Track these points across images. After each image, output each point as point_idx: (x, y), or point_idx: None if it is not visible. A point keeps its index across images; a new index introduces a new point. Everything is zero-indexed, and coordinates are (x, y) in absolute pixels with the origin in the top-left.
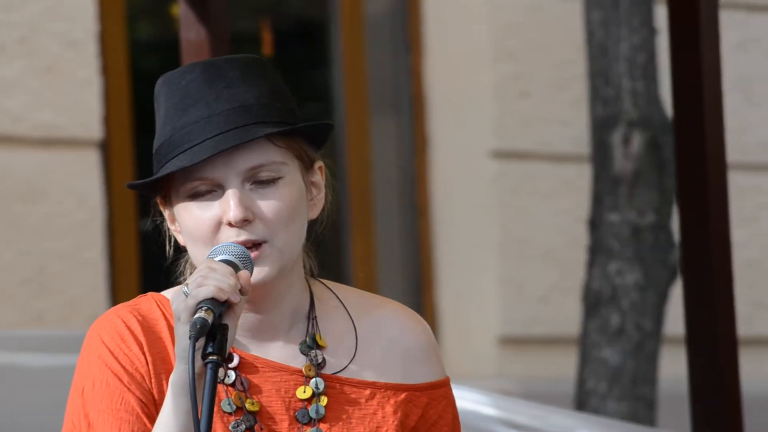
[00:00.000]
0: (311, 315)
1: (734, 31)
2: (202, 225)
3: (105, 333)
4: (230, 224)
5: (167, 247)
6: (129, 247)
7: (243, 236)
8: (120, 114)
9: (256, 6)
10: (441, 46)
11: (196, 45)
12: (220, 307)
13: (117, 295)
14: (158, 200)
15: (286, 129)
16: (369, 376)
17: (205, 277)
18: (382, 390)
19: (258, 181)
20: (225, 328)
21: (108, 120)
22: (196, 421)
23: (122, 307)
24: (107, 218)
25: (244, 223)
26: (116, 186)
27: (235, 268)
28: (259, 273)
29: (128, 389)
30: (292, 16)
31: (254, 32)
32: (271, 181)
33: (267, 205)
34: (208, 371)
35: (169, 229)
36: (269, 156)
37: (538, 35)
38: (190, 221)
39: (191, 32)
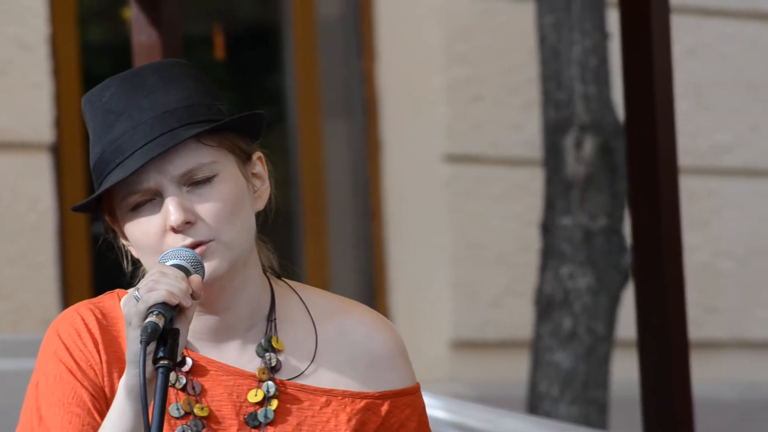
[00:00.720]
0: (271, 316)
1: (686, 35)
2: (148, 235)
3: (62, 329)
4: (173, 229)
5: (124, 263)
6: (80, 251)
7: (188, 239)
8: (71, 117)
9: (208, 9)
10: (393, 50)
11: (147, 48)
12: (171, 311)
13: (68, 299)
14: (106, 218)
15: (210, 127)
16: (326, 383)
17: (156, 281)
18: (339, 398)
19: (194, 182)
20: (176, 332)
21: (59, 123)
22: (147, 426)
23: (84, 304)
24: (59, 222)
25: (186, 226)
26: (68, 189)
27: (186, 272)
28: (208, 268)
29: (81, 384)
30: (245, 19)
31: (206, 36)
32: (206, 181)
33: (206, 205)
34: (159, 376)
35: (123, 245)
36: (200, 157)
37: (491, 39)
38: (137, 233)
39: (143, 35)
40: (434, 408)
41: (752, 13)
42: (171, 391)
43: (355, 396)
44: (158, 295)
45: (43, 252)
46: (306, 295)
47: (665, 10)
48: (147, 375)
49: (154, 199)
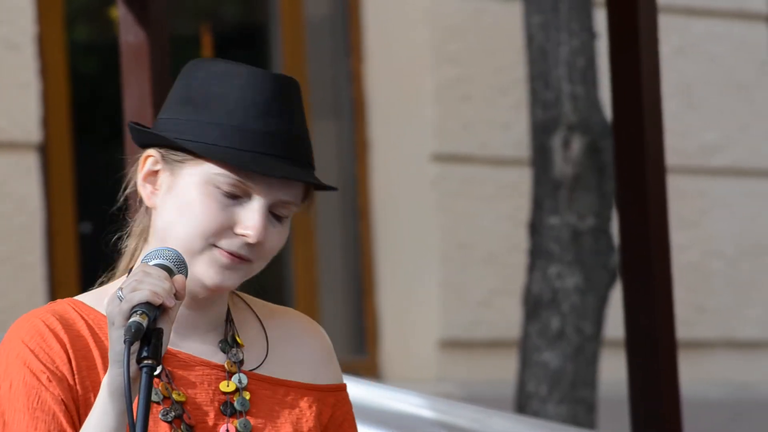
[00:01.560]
0: (229, 317)
1: (674, 35)
2: (214, 220)
3: (25, 333)
4: (242, 236)
5: (119, 194)
6: (68, 251)
7: (242, 251)
8: (59, 116)
9: (196, 9)
10: (381, 50)
11: (135, 48)
12: (154, 311)
13: (57, 298)
14: (154, 153)
15: (332, 188)
16: (281, 375)
17: (140, 281)
18: (295, 389)
19: (276, 213)
20: (160, 332)
21: (47, 123)
22: (132, 426)
23: (39, 310)
24: (46, 222)
25: (254, 244)
26: (55, 189)
27: (170, 272)
28: (227, 279)
29: (46, 388)
30: (233, 19)
31: (194, 35)
32: (284, 218)
33: (273, 238)
34: (143, 375)
35: (136, 180)
36: (297, 197)
37: (479, 39)
38: (200, 205)
39: (130, 35)
40: (422, 407)
41: (740, 13)
42: None
43: (307, 387)
44: (142, 295)
45: (32, 252)
46: (247, 299)
47: (653, 10)
48: (131, 374)
49: (240, 197)
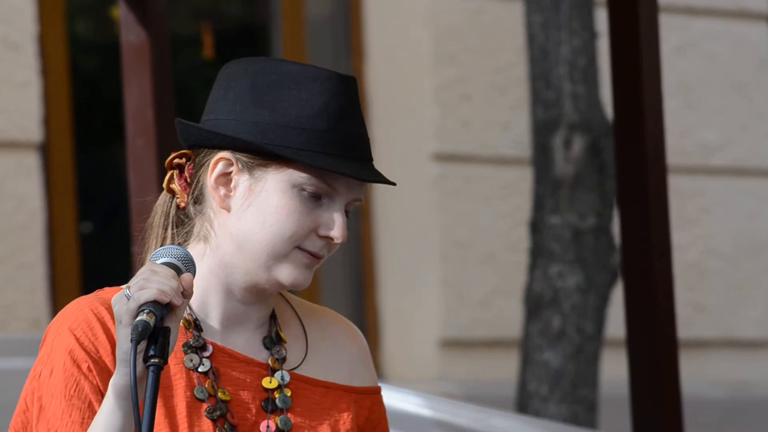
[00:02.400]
0: (273, 314)
1: (674, 34)
2: (300, 223)
3: (72, 321)
4: (326, 237)
5: (186, 197)
6: (69, 251)
7: (323, 251)
8: (60, 116)
9: (196, 9)
10: (382, 49)
11: (136, 47)
12: (162, 309)
13: (57, 298)
14: (228, 156)
15: (392, 183)
16: (320, 375)
17: (147, 279)
18: (334, 389)
19: (347, 210)
20: (167, 331)
21: (48, 122)
22: (138, 426)
23: (87, 298)
24: (47, 221)
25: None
26: (56, 188)
27: (178, 270)
28: (306, 278)
29: (86, 377)
30: (233, 19)
31: (195, 35)
32: (349, 212)
33: (347, 234)
34: (150, 374)
35: (203, 183)
36: (362, 194)
37: (479, 39)
38: (288, 210)
39: (131, 34)
40: (423, 407)
41: (740, 12)
42: (193, 375)
43: (345, 389)
44: (149, 294)
45: (32, 251)
46: (288, 297)
47: (653, 10)
48: (138, 374)
49: (320, 199)
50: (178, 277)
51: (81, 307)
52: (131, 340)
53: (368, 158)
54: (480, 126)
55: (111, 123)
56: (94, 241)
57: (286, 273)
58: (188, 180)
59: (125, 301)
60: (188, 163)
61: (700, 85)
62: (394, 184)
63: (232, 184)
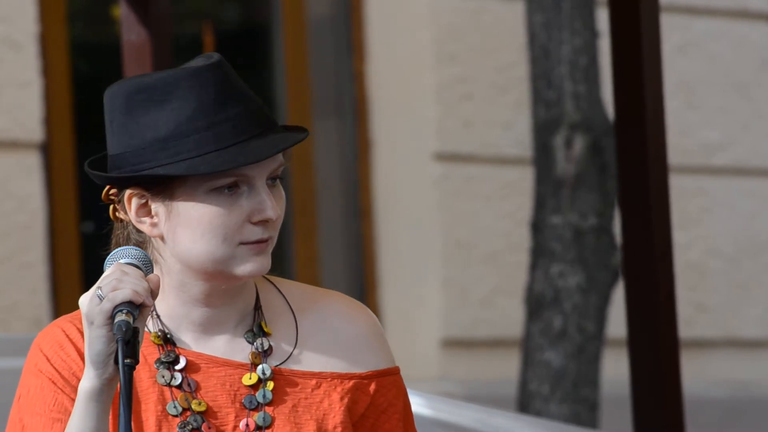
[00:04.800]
0: (257, 305)
1: (675, 34)
2: (229, 220)
3: (44, 343)
4: (261, 222)
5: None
6: (70, 250)
7: (264, 234)
8: (61, 116)
9: (197, 8)
10: (384, 49)
11: (137, 47)
12: (135, 310)
13: (58, 298)
14: (135, 190)
15: (305, 136)
16: (313, 367)
17: (120, 280)
18: (328, 379)
19: (274, 178)
20: (137, 331)
21: (49, 122)
22: (128, 426)
23: (63, 319)
24: (48, 221)
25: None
26: (57, 188)
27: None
28: (261, 265)
29: (62, 392)
30: (234, 18)
31: (196, 35)
32: (279, 179)
33: (279, 204)
34: (124, 374)
35: (122, 220)
36: (280, 158)
37: (481, 38)
38: (209, 216)
39: (132, 34)
40: (424, 407)
41: (741, 12)
42: (166, 390)
43: (342, 377)
44: (124, 294)
45: (33, 251)
46: (282, 286)
47: (655, 9)
48: (108, 375)
49: (238, 188)
50: (145, 277)
51: (51, 329)
52: (117, 340)
53: (266, 129)
54: (481, 125)
55: None
56: (96, 241)
57: (240, 269)
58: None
59: (98, 301)
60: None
61: (701, 85)
62: (303, 137)
63: (153, 212)
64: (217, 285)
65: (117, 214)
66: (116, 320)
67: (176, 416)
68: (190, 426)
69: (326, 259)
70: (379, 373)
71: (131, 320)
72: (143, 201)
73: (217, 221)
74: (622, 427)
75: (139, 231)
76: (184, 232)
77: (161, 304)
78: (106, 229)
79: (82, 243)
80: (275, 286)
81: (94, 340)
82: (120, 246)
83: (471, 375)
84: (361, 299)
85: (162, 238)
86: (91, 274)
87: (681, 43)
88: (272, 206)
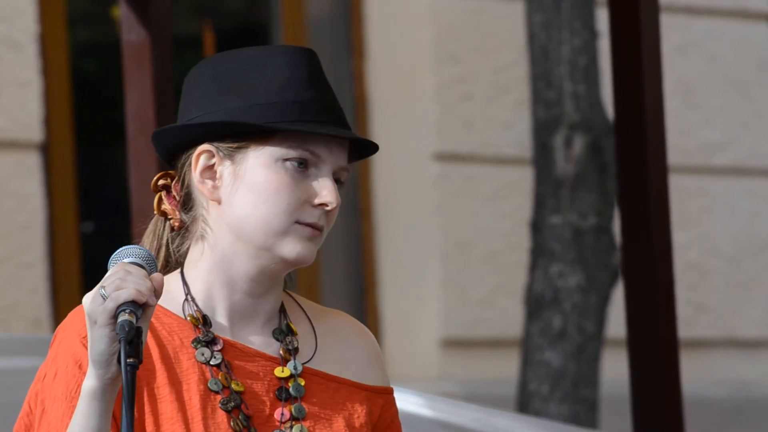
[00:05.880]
0: (282, 308)
1: (675, 34)
2: (293, 194)
3: (80, 325)
4: (322, 206)
5: (178, 215)
6: (70, 250)
7: (321, 221)
8: (61, 116)
9: (197, 8)
10: (383, 48)
11: (137, 47)
12: (138, 309)
13: (58, 298)
14: (208, 147)
15: (377, 146)
16: (332, 371)
17: (123, 279)
18: (346, 385)
19: (338, 179)
20: (140, 331)
21: (48, 122)
22: (130, 424)
23: None
24: (48, 221)
25: (328, 210)
26: (57, 188)
27: (145, 271)
28: (309, 252)
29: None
30: (234, 18)
31: (196, 34)
32: (342, 182)
33: (340, 199)
34: (126, 374)
35: (190, 180)
36: (348, 161)
37: (480, 38)
38: (276, 184)
39: (132, 34)
40: (424, 407)
41: (741, 12)
42: (206, 369)
43: (357, 386)
44: (128, 294)
45: (33, 251)
46: (296, 297)
47: (654, 9)
48: (111, 375)
49: (308, 168)
50: (148, 276)
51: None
52: (120, 340)
53: (342, 123)
54: (481, 125)
55: (111, 123)
56: (95, 240)
57: (289, 248)
58: (177, 198)
59: (101, 300)
60: (174, 182)
61: (701, 85)
62: (375, 146)
63: (218, 175)
64: (262, 267)
65: (162, 206)
66: (119, 320)
67: (217, 393)
68: (232, 404)
69: (326, 259)
70: (385, 390)
71: (134, 320)
72: (211, 162)
73: (282, 190)
74: (621, 427)
75: (186, 210)
76: (246, 196)
77: (197, 285)
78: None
79: (81, 243)
80: (291, 296)
81: (97, 339)
82: (149, 241)
83: (470, 375)
84: (360, 299)
85: (219, 202)
86: (90, 273)
87: (681, 43)
88: (336, 195)
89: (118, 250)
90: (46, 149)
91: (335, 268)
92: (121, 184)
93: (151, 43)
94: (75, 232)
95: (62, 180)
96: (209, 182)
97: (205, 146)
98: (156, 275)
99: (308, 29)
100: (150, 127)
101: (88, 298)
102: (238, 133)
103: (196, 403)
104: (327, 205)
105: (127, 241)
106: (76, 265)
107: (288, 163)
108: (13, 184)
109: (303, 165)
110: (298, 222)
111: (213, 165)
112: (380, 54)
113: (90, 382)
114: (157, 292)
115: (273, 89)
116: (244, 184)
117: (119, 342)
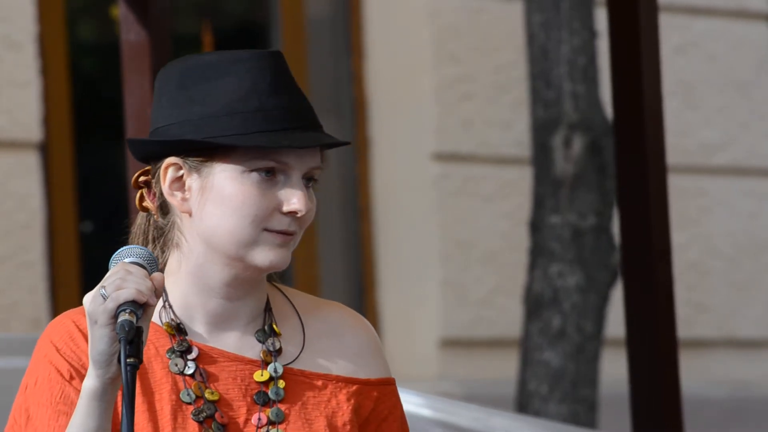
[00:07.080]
0: (267, 307)
1: (674, 34)
2: (260, 205)
3: (54, 333)
4: (291, 212)
5: (151, 209)
6: (69, 250)
7: (291, 227)
8: (60, 116)
9: (197, 8)
10: (382, 48)
11: (136, 47)
12: (139, 309)
13: (58, 297)
14: (175, 161)
15: (346, 142)
16: (319, 369)
17: (123, 279)
18: (334, 381)
19: (310, 179)
20: (141, 331)
21: (48, 122)
22: (130, 424)
23: (74, 311)
24: (47, 220)
25: (298, 216)
26: (56, 188)
27: (146, 270)
28: (283, 257)
29: (69, 383)
30: (233, 18)
31: (195, 34)
32: (314, 182)
33: (310, 205)
34: (126, 374)
35: (160, 191)
36: (320, 160)
37: (480, 38)
38: (242, 196)
39: (131, 34)
40: (423, 406)
41: (740, 12)
42: (179, 379)
43: (347, 381)
44: (128, 294)
45: (32, 251)
46: (288, 292)
47: (653, 9)
48: (111, 375)
49: (276, 176)
50: (149, 276)
51: (62, 320)
52: (120, 340)
53: (311, 126)
54: (480, 125)
55: (111, 123)
56: (95, 240)
57: (260, 256)
58: (153, 205)
59: (101, 300)
60: (149, 191)
61: (700, 85)
62: (347, 143)
63: (186, 186)
64: (236, 274)
65: (143, 203)
66: (119, 320)
67: (190, 404)
68: (204, 414)
69: (325, 259)
70: (381, 382)
71: (135, 320)
72: (179, 174)
73: (249, 201)
74: (620, 427)
75: (164, 214)
76: (214, 208)
77: (174, 292)
78: (124, 224)
79: (81, 242)
80: (281, 291)
81: (97, 339)
82: (135, 237)
83: (470, 375)
84: (359, 299)
85: (190, 214)
86: (90, 273)
87: (680, 43)
88: (305, 201)
89: (118, 250)
90: (45, 149)
91: (335, 267)
92: (121, 183)
93: (151, 42)
94: (74, 231)
95: (61, 180)
96: (178, 194)
97: (172, 159)
98: (156, 275)
99: (308, 29)
100: (149, 127)
101: (88, 298)
102: (201, 148)
103: (167, 414)
104: (297, 213)
105: (126, 240)
106: (76, 265)
107: (254, 174)
108: (13, 184)
109: (270, 173)
110: (267, 230)
111: (182, 176)
112: (379, 54)
113: (90, 382)
114: (157, 292)
115: (236, 98)
116: (212, 197)
117: (119, 342)
